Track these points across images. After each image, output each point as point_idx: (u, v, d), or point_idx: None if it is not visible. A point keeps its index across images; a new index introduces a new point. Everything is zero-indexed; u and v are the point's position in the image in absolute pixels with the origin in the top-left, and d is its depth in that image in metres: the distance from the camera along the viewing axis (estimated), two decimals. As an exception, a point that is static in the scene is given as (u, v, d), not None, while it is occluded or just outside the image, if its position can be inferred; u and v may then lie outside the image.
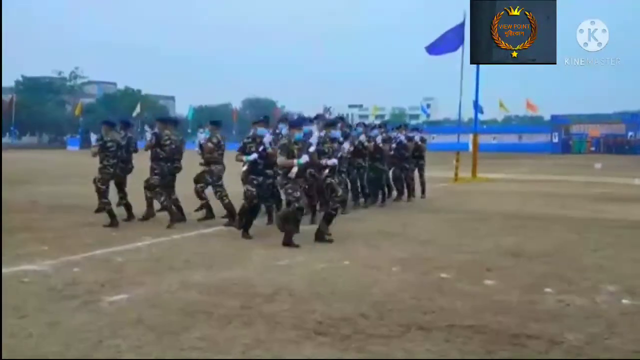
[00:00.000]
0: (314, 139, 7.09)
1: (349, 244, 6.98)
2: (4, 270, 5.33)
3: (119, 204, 8.80)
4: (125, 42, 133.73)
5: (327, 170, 7.42)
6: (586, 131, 42.97)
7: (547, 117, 52.18)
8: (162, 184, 8.37)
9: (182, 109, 76.28)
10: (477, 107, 22.75)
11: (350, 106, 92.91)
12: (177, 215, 8.40)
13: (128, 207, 8.80)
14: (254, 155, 7.35)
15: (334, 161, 7.59)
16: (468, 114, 50.44)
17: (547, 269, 5.81)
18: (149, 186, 8.48)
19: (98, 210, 8.64)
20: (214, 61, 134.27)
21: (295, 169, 6.70)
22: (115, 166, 8.48)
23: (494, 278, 5.39)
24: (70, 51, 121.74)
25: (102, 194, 8.30)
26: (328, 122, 8.32)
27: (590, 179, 18.55)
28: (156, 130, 8.54)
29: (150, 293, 4.78)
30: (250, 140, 7.57)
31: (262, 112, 50.60)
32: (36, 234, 7.42)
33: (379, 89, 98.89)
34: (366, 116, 77.57)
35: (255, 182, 7.41)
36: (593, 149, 42.19)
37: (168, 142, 8.47)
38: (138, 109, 46.16)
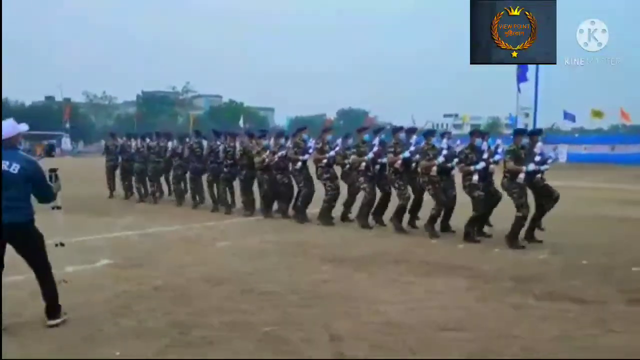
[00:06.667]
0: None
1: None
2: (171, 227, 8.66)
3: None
4: (229, 57, 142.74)
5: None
6: (683, 141, 41.34)
7: (645, 128, 50.46)
8: None
9: (280, 120, 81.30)
10: (568, 116, 23.93)
11: (445, 115, 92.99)
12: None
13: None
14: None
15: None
16: (563, 125, 49.79)
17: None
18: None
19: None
20: (310, 74, 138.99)
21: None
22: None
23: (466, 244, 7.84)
24: (180, 68, 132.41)
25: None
26: (519, 131, 8.78)
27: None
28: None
29: (242, 243, 7.77)
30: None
31: (355, 122, 53.30)
32: (165, 214, 10.91)
33: (473, 99, 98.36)
34: (460, 125, 77.86)
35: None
36: (692, 159, 40.40)
37: None
38: (242, 121, 51.53)
